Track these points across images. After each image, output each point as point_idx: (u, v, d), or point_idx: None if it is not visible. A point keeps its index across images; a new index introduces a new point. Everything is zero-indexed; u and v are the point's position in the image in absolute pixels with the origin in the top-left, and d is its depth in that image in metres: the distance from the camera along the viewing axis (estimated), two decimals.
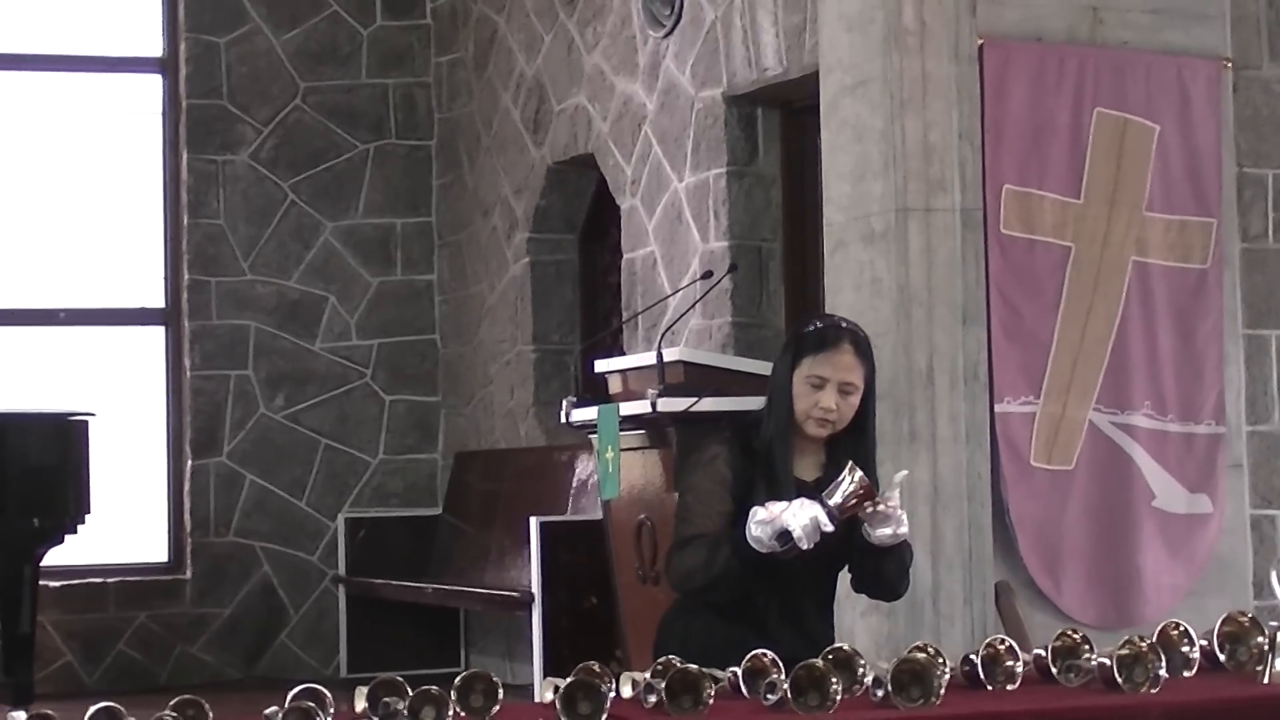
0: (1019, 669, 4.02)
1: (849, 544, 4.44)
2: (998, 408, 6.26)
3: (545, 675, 6.85)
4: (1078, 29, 6.46)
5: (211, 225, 10.65)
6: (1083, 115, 6.41)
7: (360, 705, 3.72)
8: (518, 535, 9.17)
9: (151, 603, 10.46)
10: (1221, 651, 4.16)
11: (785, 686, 3.71)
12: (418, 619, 10.26)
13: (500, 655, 10.11)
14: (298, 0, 10.80)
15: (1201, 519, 6.54)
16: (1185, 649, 4.11)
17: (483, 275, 10.54)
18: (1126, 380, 6.43)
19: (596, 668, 3.80)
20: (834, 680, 3.72)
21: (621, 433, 6.72)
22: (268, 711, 3.66)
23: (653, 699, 3.79)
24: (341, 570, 10.52)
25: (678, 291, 8.27)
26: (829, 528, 4.27)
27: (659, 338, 7.15)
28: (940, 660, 3.95)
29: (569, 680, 3.70)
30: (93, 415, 9.36)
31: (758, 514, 4.29)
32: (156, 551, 10.68)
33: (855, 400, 4.47)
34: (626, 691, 3.93)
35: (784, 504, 4.30)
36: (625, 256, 9.12)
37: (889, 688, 3.76)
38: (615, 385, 7.03)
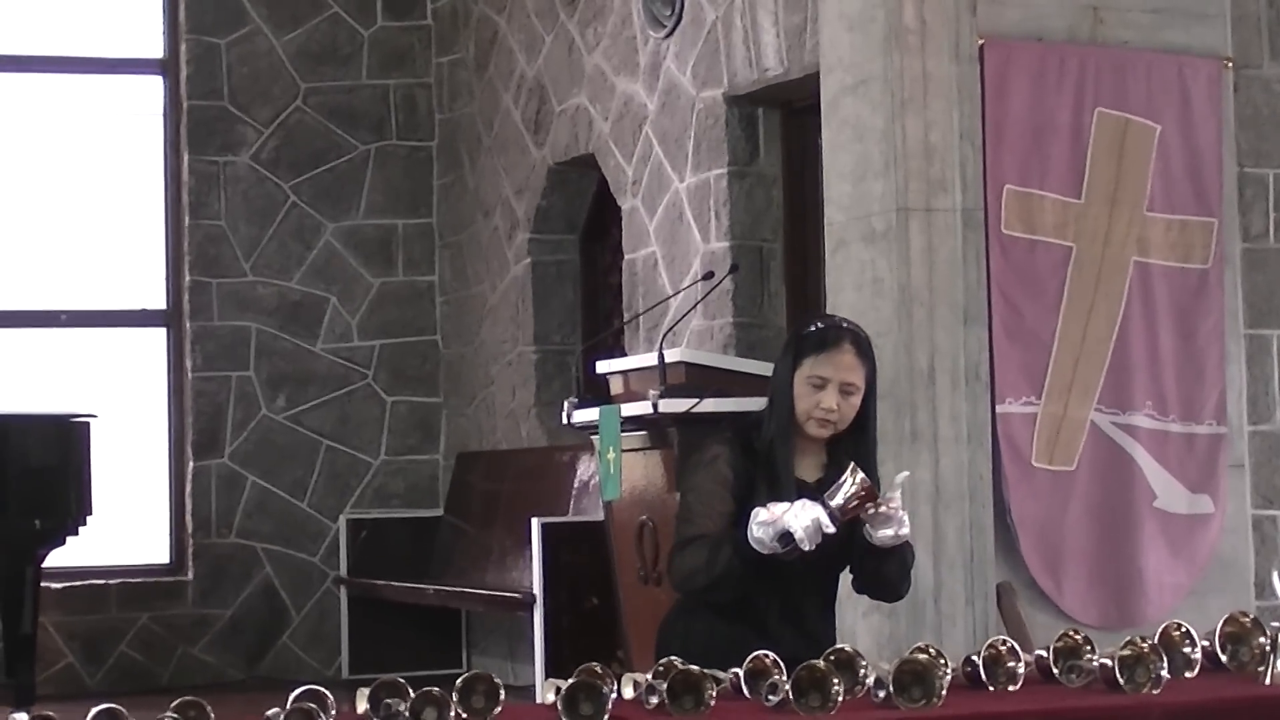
0: (1021, 670, 4.02)
1: (850, 545, 4.44)
2: (999, 408, 6.26)
3: (547, 676, 6.85)
4: (1078, 28, 6.46)
5: (213, 226, 10.65)
6: (1083, 115, 6.41)
7: (362, 706, 3.72)
8: (519, 536, 9.17)
9: (153, 604, 10.46)
10: (1223, 652, 4.16)
11: (787, 687, 3.71)
12: (419, 620, 10.26)
13: (502, 656, 10.11)
14: (298, 1, 10.80)
15: (1203, 519, 6.54)
16: (1187, 649, 4.11)
17: (484, 276, 10.54)
18: (1128, 380, 6.43)
19: (598, 669, 3.79)
20: (835, 681, 3.72)
21: (623, 433, 6.72)
22: (269, 713, 3.65)
23: (654, 700, 3.79)
24: (343, 571, 10.52)
25: (679, 292, 8.27)
26: (830, 529, 4.27)
27: (660, 338, 7.15)
28: (942, 661, 3.96)
29: (570, 681, 3.70)
30: (94, 417, 9.36)
31: (759, 515, 4.29)
32: (158, 553, 10.69)
33: (856, 401, 4.47)
34: (628, 692, 3.93)
35: (785, 505, 4.30)
36: (626, 257, 9.12)
37: (890, 688, 3.76)
38: (617, 386, 7.03)
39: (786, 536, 4.26)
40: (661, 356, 6.60)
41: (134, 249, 10.73)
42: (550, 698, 3.86)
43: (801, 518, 4.25)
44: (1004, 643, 4.06)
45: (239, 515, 10.60)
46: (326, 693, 3.69)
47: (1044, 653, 4.10)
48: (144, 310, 10.75)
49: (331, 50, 10.85)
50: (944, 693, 3.78)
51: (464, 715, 3.65)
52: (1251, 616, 4.22)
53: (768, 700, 3.76)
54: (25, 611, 9.05)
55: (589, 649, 6.89)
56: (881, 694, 3.79)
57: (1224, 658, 4.16)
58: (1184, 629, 4.14)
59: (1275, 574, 4.74)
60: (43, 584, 9.27)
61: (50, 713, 3.59)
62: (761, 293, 8.30)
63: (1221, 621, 4.20)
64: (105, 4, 10.75)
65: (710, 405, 6.42)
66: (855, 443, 4.49)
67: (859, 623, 6.04)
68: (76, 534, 9.24)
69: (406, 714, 3.63)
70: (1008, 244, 6.30)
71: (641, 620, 6.59)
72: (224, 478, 10.59)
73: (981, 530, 6.17)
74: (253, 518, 10.61)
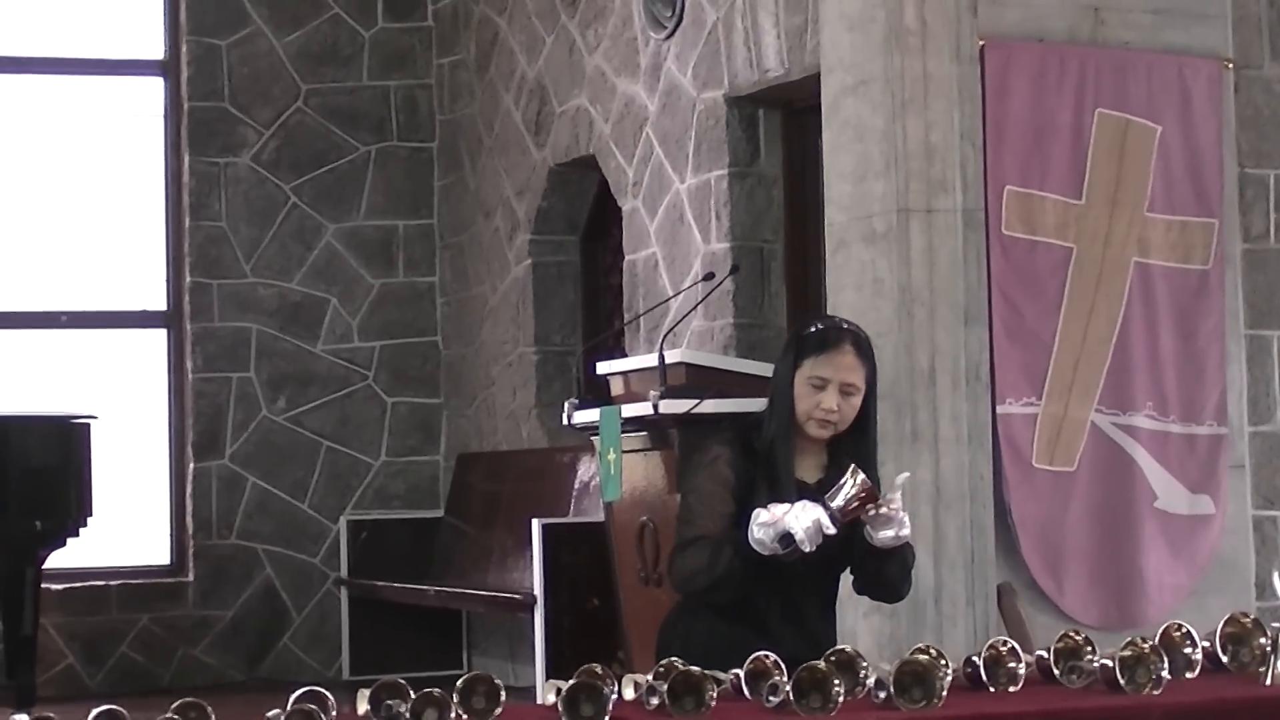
0: (1021, 670, 4.02)
1: (851, 545, 4.44)
2: (999, 408, 6.26)
3: (547, 677, 6.85)
4: (1079, 29, 6.46)
5: (213, 227, 10.65)
6: (1084, 116, 6.41)
7: (362, 707, 3.72)
8: (520, 537, 9.17)
9: (154, 605, 10.46)
10: (1224, 652, 4.16)
11: (787, 688, 3.71)
12: (420, 621, 10.26)
13: (502, 657, 10.11)
14: (299, 2, 10.80)
15: (1203, 520, 6.54)
16: (1187, 650, 4.11)
17: (484, 277, 10.54)
18: (1128, 381, 6.43)
19: (599, 669, 3.79)
20: (836, 682, 3.72)
21: (623, 434, 6.72)
22: (270, 714, 3.65)
23: (655, 701, 3.79)
24: (344, 572, 10.52)
25: (680, 293, 8.27)
26: (831, 530, 4.27)
27: (661, 339, 7.14)
28: (942, 661, 3.96)
29: (571, 682, 3.70)
30: (95, 418, 9.35)
31: (760, 516, 4.29)
32: (159, 554, 10.69)
33: (857, 401, 4.47)
34: (629, 693, 3.93)
35: (786, 506, 4.30)
36: (627, 258, 9.12)
37: (891, 689, 3.76)
38: (617, 387, 7.03)
39: (787, 538, 4.26)
40: (662, 357, 6.60)
41: (135, 250, 10.73)
42: (551, 699, 3.86)
43: (802, 519, 4.25)
44: (1004, 643, 4.06)
45: (239, 516, 10.60)
46: (327, 694, 3.69)
47: (1044, 653, 4.10)
48: (144, 311, 10.76)
49: (332, 51, 10.85)
50: (944, 693, 3.78)
51: (464, 716, 3.64)
52: (1252, 617, 4.22)
53: (768, 701, 3.76)
54: (26, 613, 9.04)
55: (590, 650, 6.88)
56: (882, 695, 3.79)
57: (1224, 658, 4.16)
58: (1184, 629, 4.14)
59: (1276, 574, 4.73)
60: (43, 585, 9.26)
61: (51, 714, 3.59)
62: (762, 293, 8.30)
63: (1222, 622, 4.20)
64: (106, 5, 10.75)
65: (711, 406, 6.42)
66: (856, 443, 4.50)
67: (860, 623, 6.04)
68: (77, 535, 9.23)
69: (407, 715, 3.63)
70: (1008, 244, 6.30)
71: (642, 621, 6.59)
72: (224, 479, 10.59)
73: (982, 531, 6.16)
74: (253, 519, 10.62)
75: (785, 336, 6.50)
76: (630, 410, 6.68)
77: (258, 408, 10.65)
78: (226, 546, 10.57)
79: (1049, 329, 6.34)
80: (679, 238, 8.64)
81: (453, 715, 3.63)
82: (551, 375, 10.08)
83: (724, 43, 8.28)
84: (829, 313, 5.99)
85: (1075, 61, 6.42)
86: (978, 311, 6.21)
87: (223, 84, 10.68)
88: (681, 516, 4.52)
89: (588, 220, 10.08)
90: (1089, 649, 4.06)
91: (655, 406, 6.48)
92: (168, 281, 10.73)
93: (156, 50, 10.80)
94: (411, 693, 3.68)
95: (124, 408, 10.39)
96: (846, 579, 4.62)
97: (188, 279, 10.61)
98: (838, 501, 4.29)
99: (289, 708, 3.64)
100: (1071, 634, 4.10)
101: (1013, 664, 4.02)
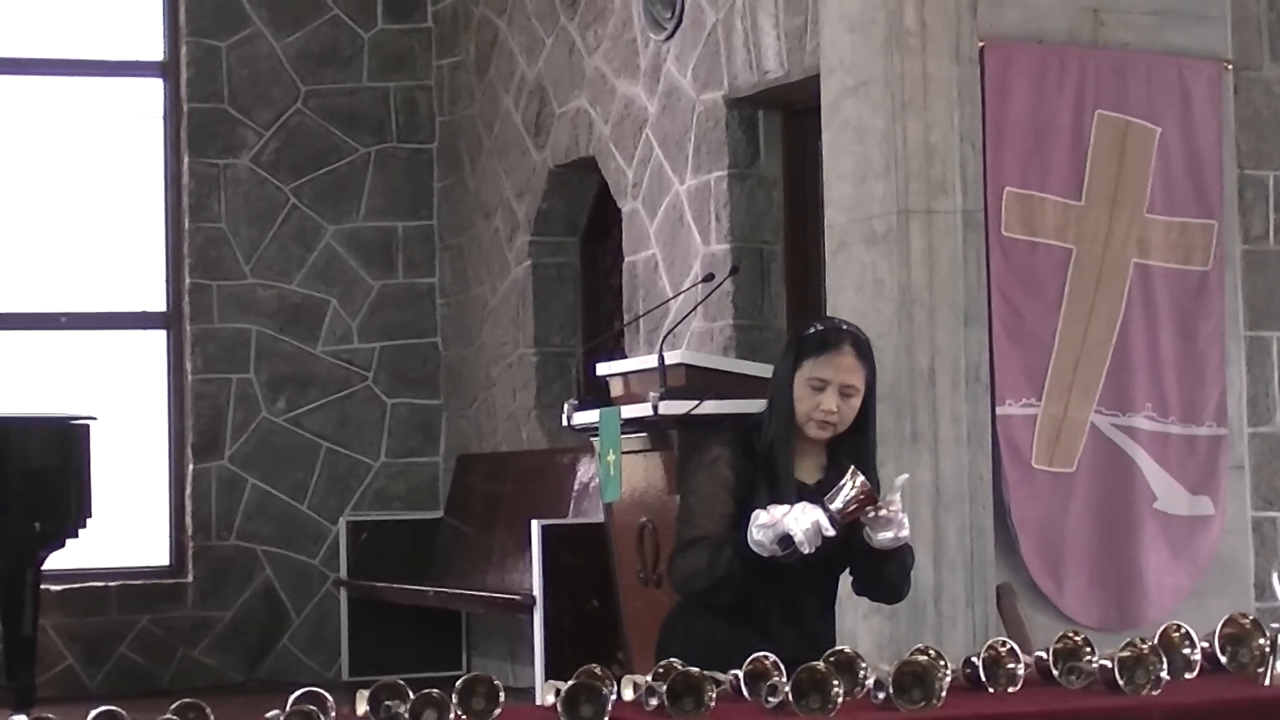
0: (1020, 671, 4.02)
1: (850, 547, 4.44)
2: (999, 409, 6.26)
3: (547, 678, 6.84)
4: (1079, 30, 6.46)
5: (213, 229, 10.65)
6: (1084, 117, 6.41)
7: (362, 708, 3.72)
8: (519, 538, 9.17)
9: (153, 606, 10.46)
10: (1223, 653, 4.16)
11: (787, 689, 3.71)
12: (419, 622, 10.26)
13: (502, 658, 10.11)
14: (299, 3, 10.80)
15: (1203, 520, 6.54)
16: (1186, 651, 4.11)
17: (484, 278, 10.54)
18: (1128, 382, 6.43)
19: (598, 670, 3.80)
20: (835, 683, 3.72)
21: (623, 435, 6.72)
22: (269, 715, 3.65)
23: (654, 701, 3.79)
24: (343, 573, 10.52)
25: (679, 294, 8.27)
26: (830, 532, 4.27)
27: (660, 340, 7.14)
28: (942, 662, 3.95)
29: (571, 683, 3.70)
30: (94, 419, 9.36)
31: (759, 518, 4.29)
32: (158, 555, 10.68)
33: (856, 402, 4.48)
34: (628, 694, 3.93)
35: (785, 508, 4.30)
36: (627, 259, 9.12)
37: (890, 690, 3.76)
38: (617, 388, 7.04)
39: (786, 539, 4.26)
40: (662, 358, 6.60)
41: (134, 251, 10.73)
42: (550, 699, 3.86)
43: (801, 521, 4.25)
44: (1004, 644, 4.06)
45: (239, 517, 10.60)
46: (326, 695, 3.69)
47: (1044, 654, 4.10)
48: (144, 312, 10.76)
49: (332, 53, 10.85)
50: (944, 694, 3.78)
51: (464, 717, 3.64)
52: (1251, 618, 4.22)
53: (768, 702, 3.76)
54: (25, 614, 9.05)
55: (589, 651, 6.88)
56: (881, 695, 3.79)
57: (1224, 659, 4.16)
58: (1184, 630, 4.14)
59: (1275, 575, 4.73)
60: (43, 586, 9.27)
61: (50, 715, 3.59)
62: (762, 295, 8.30)
63: (1221, 623, 4.20)
64: (106, 6, 10.75)
65: (710, 407, 6.42)
66: (855, 445, 4.50)
67: (859, 624, 6.04)
68: (76, 536, 9.24)
69: (406, 716, 3.63)
70: (1008, 246, 6.30)
71: (642, 622, 6.60)
72: (224, 480, 10.59)
73: (982, 532, 6.16)
74: (253, 520, 10.62)
75: (785, 338, 6.52)
76: (630, 411, 6.68)
77: (257, 409, 10.65)
78: (226, 547, 10.57)
79: (1049, 330, 6.34)
80: (679, 239, 8.64)
81: (452, 716, 3.63)
82: (551, 376, 10.08)
83: (724, 44, 8.28)
84: (829, 314, 5.98)
85: (1075, 63, 6.42)
86: (977, 313, 6.21)
87: (222, 85, 10.68)
88: (681, 517, 4.52)
89: (587, 221, 10.08)
90: (1088, 650, 4.06)
91: (655, 408, 6.48)
92: (167, 283, 10.74)
93: (156, 52, 10.80)
94: (411, 693, 3.68)
95: (123, 409, 10.39)
96: (846, 580, 4.62)
97: (187, 280, 10.61)
98: (837, 503, 4.29)
99: (288, 709, 3.64)
100: (1071, 635, 4.10)
101: (1012, 665, 4.02)
